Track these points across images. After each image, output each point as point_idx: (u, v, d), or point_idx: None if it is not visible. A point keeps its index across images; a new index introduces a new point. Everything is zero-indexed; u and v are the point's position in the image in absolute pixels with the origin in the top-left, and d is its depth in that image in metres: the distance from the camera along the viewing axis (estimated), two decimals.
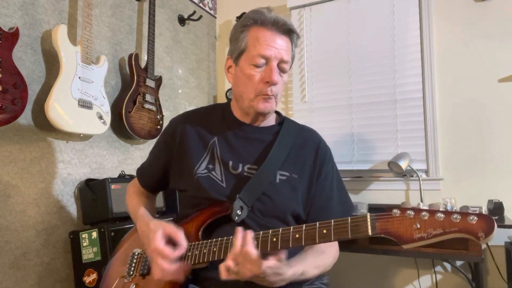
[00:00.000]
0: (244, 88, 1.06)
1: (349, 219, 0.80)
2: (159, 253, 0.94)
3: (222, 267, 0.85)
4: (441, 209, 0.73)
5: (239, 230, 0.86)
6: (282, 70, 1.05)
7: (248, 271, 0.82)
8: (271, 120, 1.17)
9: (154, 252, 0.95)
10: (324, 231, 0.82)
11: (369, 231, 0.76)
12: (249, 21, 1.04)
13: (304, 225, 0.84)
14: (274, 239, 0.86)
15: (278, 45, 1.02)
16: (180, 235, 0.97)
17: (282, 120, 1.18)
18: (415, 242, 0.72)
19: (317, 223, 0.83)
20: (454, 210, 0.71)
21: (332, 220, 0.82)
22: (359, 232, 0.78)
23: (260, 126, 1.14)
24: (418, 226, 0.72)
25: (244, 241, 0.83)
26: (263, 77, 1.03)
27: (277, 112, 1.21)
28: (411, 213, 0.73)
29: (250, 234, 0.84)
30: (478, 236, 0.67)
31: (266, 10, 1.04)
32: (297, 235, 0.84)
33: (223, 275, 0.84)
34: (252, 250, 0.82)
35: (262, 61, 1.02)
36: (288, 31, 1.05)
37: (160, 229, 0.98)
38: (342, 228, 0.80)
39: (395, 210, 0.75)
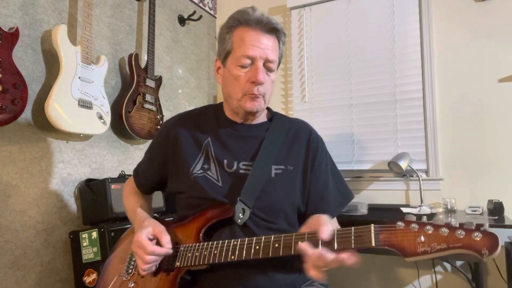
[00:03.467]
0: (232, 88, 1.07)
1: (353, 229, 0.79)
2: (138, 245, 0.97)
3: (313, 273, 0.82)
4: (445, 223, 0.72)
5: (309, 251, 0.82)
6: (268, 69, 1.05)
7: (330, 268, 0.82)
8: (262, 117, 1.17)
9: (136, 243, 0.98)
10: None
11: (373, 242, 0.76)
12: (234, 22, 1.05)
13: (306, 232, 0.84)
14: (276, 245, 0.86)
15: (263, 44, 1.03)
16: (164, 238, 0.99)
17: (272, 116, 1.19)
18: (419, 255, 0.71)
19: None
20: (458, 225, 0.71)
21: (336, 230, 0.82)
22: (362, 243, 0.77)
23: (252, 123, 1.14)
24: (422, 240, 0.71)
25: (340, 258, 0.79)
26: (249, 77, 1.03)
27: (268, 109, 1.22)
28: (416, 226, 0.73)
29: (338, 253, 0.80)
30: (482, 253, 0.66)
31: (251, 9, 1.05)
32: (299, 242, 0.83)
33: (321, 278, 0.83)
34: (354, 259, 0.79)
35: (248, 61, 1.03)
36: (273, 30, 1.05)
37: (151, 227, 1.01)
38: (345, 238, 0.79)
39: (399, 223, 0.75)
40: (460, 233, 0.69)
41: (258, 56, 1.02)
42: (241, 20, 1.04)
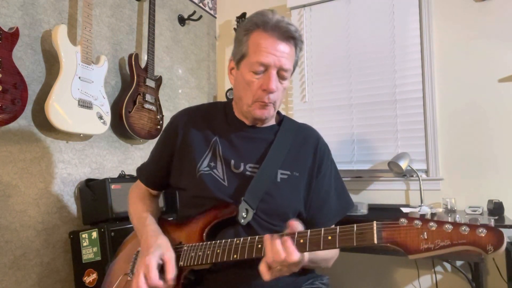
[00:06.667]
0: (244, 93, 1.06)
1: (355, 226, 0.79)
2: (145, 269, 0.92)
3: (263, 270, 0.84)
4: (449, 220, 0.71)
5: (268, 238, 0.84)
6: (281, 77, 1.04)
7: (288, 271, 0.84)
8: (271, 121, 1.18)
9: (143, 266, 0.93)
10: (329, 237, 0.81)
11: (375, 240, 0.75)
12: (252, 25, 1.03)
13: (309, 231, 0.84)
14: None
15: (279, 52, 1.01)
16: (171, 269, 0.93)
17: (281, 119, 1.19)
18: (422, 252, 0.70)
19: (322, 229, 0.83)
20: (462, 222, 0.70)
21: (338, 227, 0.81)
22: (364, 240, 0.76)
23: (261, 126, 1.14)
24: (425, 236, 0.70)
25: (288, 251, 0.81)
26: (261, 84, 1.02)
27: (277, 112, 1.21)
28: (419, 223, 0.72)
29: (289, 241, 0.82)
30: (487, 249, 0.66)
31: (271, 13, 1.02)
32: (301, 241, 0.83)
33: (266, 277, 0.84)
34: (297, 257, 0.81)
35: (261, 68, 1.02)
36: (291, 38, 1.03)
37: (161, 250, 0.96)
38: (348, 236, 0.79)
39: (402, 219, 0.74)
40: (465, 229, 0.68)
41: (272, 63, 1.00)
42: (259, 23, 1.02)
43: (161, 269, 0.94)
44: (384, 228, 0.75)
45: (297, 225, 0.87)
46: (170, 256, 0.96)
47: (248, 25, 1.04)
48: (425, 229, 0.71)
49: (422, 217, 0.73)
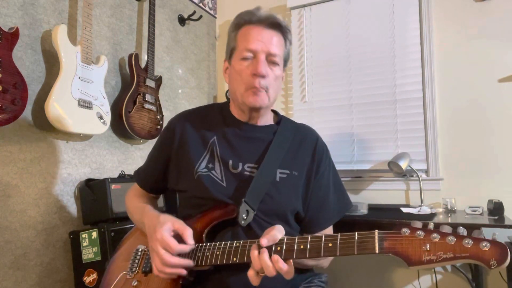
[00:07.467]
0: (236, 83, 1.08)
1: (356, 234, 0.78)
2: (162, 243, 0.91)
3: (251, 277, 0.86)
4: (452, 231, 0.70)
5: (255, 253, 0.85)
6: (271, 62, 1.06)
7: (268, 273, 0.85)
8: (269, 120, 1.18)
9: (158, 241, 0.92)
10: (330, 244, 0.80)
11: (376, 249, 0.74)
12: (239, 20, 1.08)
13: (309, 236, 0.84)
14: (278, 248, 0.85)
15: (265, 38, 1.04)
16: (187, 233, 0.94)
17: (280, 119, 1.19)
18: (424, 264, 0.69)
19: (323, 235, 0.82)
20: (465, 234, 0.69)
21: (339, 234, 0.81)
22: (365, 249, 0.75)
23: (259, 125, 1.14)
24: (428, 248, 0.69)
25: (276, 262, 0.82)
26: (251, 70, 1.04)
27: (275, 112, 1.22)
28: (421, 233, 0.71)
29: (277, 257, 0.83)
30: (490, 264, 0.64)
31: (255, 9, 1.07)
32: (301, 246, 0.83)
33: (255, 282, 0.85)
34: (284, 267, 0.82)
35: (249, 54, 1.04)
36: (276, 25, 1.06)
37: (169, 222, 0.95)
38: (349, 244, 0.78)
39: (404, 229, 0.73)
40: (468, 242, 0.67)
41: (260, 49, 1.03)
42: (246, 18, 1.06)
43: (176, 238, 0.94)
44: (386, 238, 0.74)
45: (272, 228, 0.88)
46: (179, 223, 0.96)
47: (236, 22, 1.09)
48: (428, 240, 0.70)
49: (425, 227, 0.72)
